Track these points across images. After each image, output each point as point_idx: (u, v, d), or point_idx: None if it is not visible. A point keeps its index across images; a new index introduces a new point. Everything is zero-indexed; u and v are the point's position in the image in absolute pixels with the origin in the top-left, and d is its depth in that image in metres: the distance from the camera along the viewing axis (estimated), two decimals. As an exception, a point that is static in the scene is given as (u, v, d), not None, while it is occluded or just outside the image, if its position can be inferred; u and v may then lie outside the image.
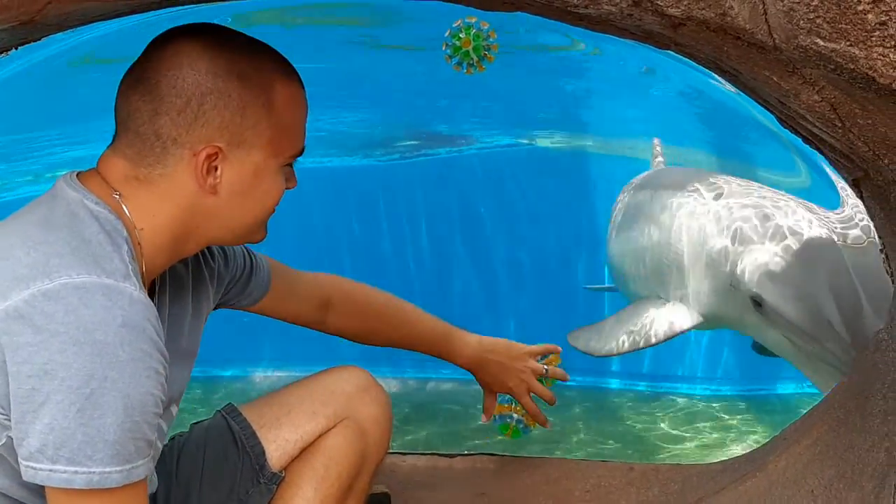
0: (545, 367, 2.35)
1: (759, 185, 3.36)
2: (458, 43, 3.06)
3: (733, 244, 3.06)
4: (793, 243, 2.91)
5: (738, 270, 2.99)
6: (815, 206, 3.12)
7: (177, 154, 1.46)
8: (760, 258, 2.93)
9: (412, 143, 7.54)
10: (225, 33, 1.52)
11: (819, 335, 2.69)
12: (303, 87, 1.57)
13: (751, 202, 3.16)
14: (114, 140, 1.50)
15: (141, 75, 1.46)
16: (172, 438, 1.88)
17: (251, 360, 6.27)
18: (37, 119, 6.63)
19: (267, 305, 2.04)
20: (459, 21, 3.08)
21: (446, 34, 3.09)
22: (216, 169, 1.48)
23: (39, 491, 1.37)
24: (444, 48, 3.03)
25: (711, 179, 3.43)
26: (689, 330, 3.31)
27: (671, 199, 3.53)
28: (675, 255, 3.37)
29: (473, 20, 3.10)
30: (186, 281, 1.72)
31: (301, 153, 1.59)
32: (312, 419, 1.90)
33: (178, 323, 1.67)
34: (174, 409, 1.69)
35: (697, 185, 3.42)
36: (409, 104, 6.95)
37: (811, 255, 2.87)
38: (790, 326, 2.79)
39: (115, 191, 1.47)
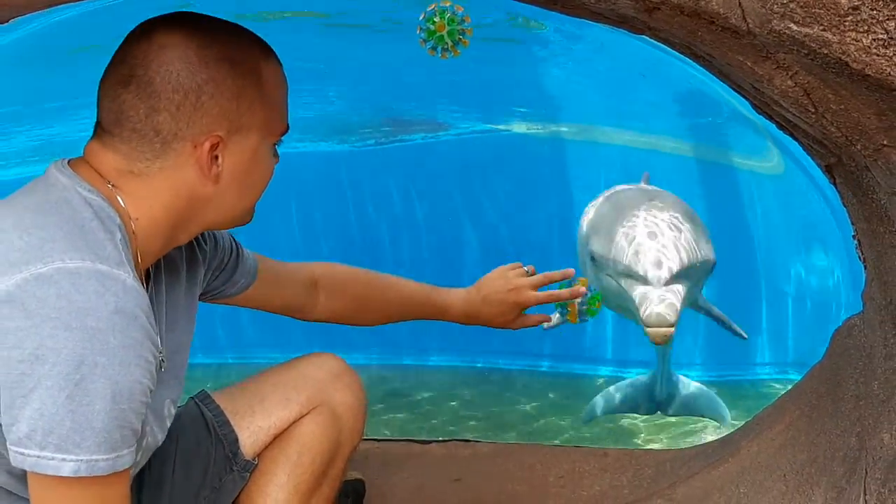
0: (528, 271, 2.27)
1: (675, 204, 3.75)
2: (432, 27, 3.02)
3: (589, 226, 3.81)
4: (620, 213, 3.62)
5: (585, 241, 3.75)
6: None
7: (178, 148, 1.45)
8: (592, 224, 3.74)
9: (387, 128, 7.52)
10: (203, 20, 1.50)
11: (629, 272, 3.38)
12: (281, 64, 1.57)
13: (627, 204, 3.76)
14: (101, 134, 1.48)
15: (130, 73, 1.44)
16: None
17: (224, 347, 6.25)
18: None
19: (255, 294, 2.00)
20: (434, 5, 3.06)
21: (420, 18, 3.06)
22: (217, 158, 1.48)
23: (25, 479, 1.36)
24: (418, 32, 3.00)
25: (637, 197, 3.82)
26: None
27: (592, 208, 4.11)
28: (581, 247, 3.98)
29: (448, 4, 3.08)
30: (180, 266, 1.70)
31: (287, 130, 1.59)
32: (286, 406, 1.89)
33: (174, 309, 1.66)
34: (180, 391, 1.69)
35: (624, 198, 3.91)
36: (384, 90, 6.93)
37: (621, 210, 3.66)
38: (607, 263, 3.48)
39: (108, 181, 1.45)
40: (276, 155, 1.59)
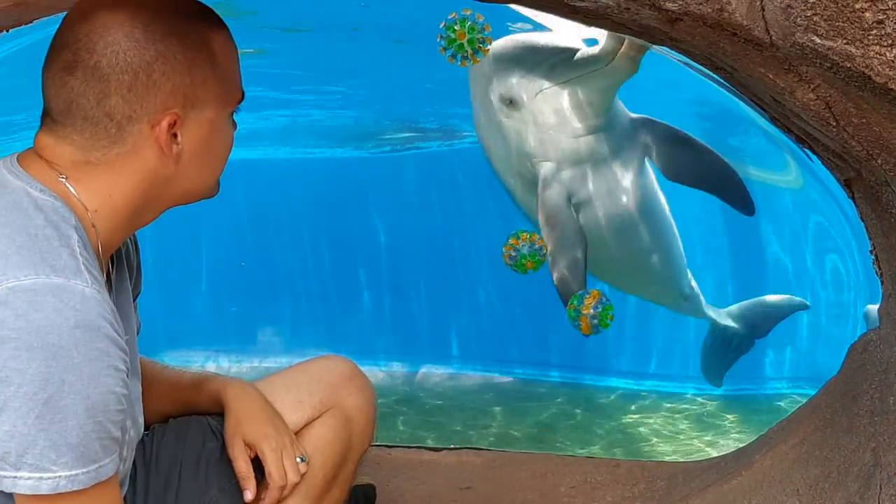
0: None
1: None
2: (453, 35, 3.04)
3: None
4: None
5: None
6: None
7: (134, 130, 1.41)
8: None
9: (403, 135, 7.52)
10: None
11: None
12: (230, 32, 1.53)
13: None
14: (50, 124, 1.43)
15: (75, 58, 1.38)
16: (152, 428, 1.85)
17: (236, 351, 6.26)
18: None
19: None
20: (454, 13, 3.07)
21: (441, 26, 3.07)
22: (175, 136, 1.45)
23: (10, 495, 1.35)
24: (438, 40, 3.02)
25: None
26: None
27: None
28: None
29: (469, 13, 3.09)
30: (133, 256, 1.69)
31: (243, 98, 1.55)
32: (298, 408, 1.88)
33: (126, 299, 1.62)
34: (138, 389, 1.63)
35: None
36: (400, 97, 6.94)
37: None
38: None
39: (62, 174, 1.41)
40: (233, 124, 1.56)
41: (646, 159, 4.06)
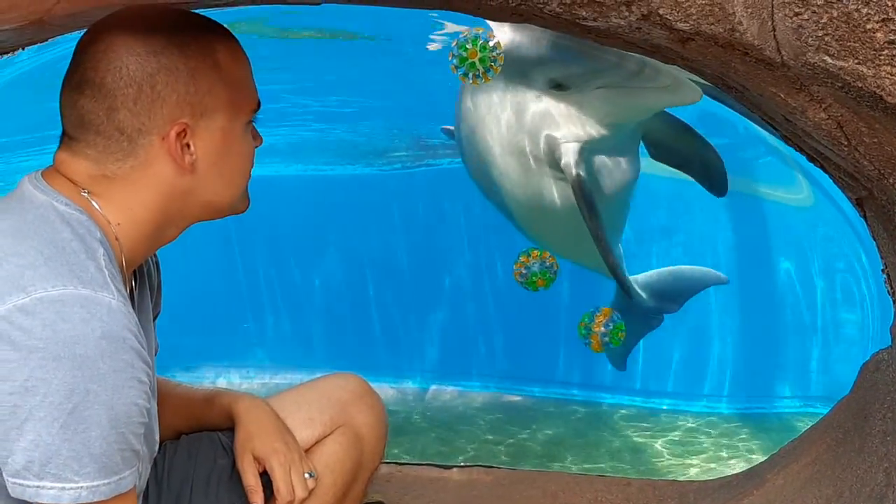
0: None
1: None
2: (464, 54, 3.06)
3: None
4: None
5: None
6: None
7: (145, 143, 1.43)
8: None
9: (414, 152, 7.54)
10: (147, 11, 1.49)
11: None
12: (238, 41, 1.55)
13: None
14: (67, 141, 1.47)
15: (82, 77, 1.43)
16: (164, 445, 1.85)
17: (247, 367, 6.27)
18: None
19: None
20: (466, 32, 3.09)
21: (453, 45, 3.09)
22: (188, 146, 1.46)
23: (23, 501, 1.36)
24: (450, 58, 3.03)
25: None
26: None
27: None
28: None
29: (480, 31, 3.10)
30: (154, 275, 1.70)
31: (259, 107, 1.56)
32: (309, 426, 1.89)
33: (147, 318, 1.64)
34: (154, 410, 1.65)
35: None
36: (411, 114, 6.96)
37: None
38: None
39: (83, 189, 1.44)
40: (255, 136, 1.58)
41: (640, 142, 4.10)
